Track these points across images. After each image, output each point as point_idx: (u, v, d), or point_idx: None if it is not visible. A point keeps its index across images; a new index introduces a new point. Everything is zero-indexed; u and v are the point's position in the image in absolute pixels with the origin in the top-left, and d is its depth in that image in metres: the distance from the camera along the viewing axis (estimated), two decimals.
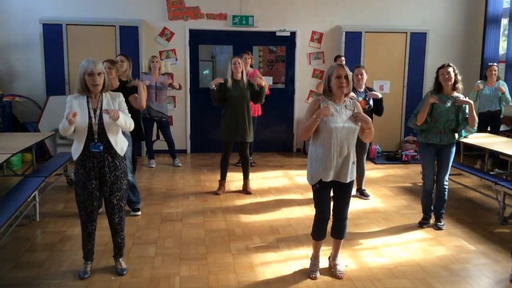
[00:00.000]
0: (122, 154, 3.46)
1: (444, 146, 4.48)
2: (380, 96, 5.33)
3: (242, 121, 5.54)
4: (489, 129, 6.85)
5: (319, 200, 3.49)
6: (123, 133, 3.55)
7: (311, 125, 3.30)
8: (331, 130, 3.30)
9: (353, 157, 3.44)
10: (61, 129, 3.31)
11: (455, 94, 4.41)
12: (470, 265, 3.83)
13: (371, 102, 5.34)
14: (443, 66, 4.42)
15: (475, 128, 4.49)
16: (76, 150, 3.36)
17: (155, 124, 7.14)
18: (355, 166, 3.48)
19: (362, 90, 5.32)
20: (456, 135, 4.56)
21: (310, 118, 3.32)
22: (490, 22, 8.14)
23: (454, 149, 4.52)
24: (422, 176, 4.84)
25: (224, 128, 5.60)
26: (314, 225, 3.59)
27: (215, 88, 5.47)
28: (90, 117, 3.31)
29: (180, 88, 7.15)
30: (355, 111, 3.39)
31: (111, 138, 3.37)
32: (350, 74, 3.36)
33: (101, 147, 3.34)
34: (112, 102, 3.40)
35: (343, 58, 6.92)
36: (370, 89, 5.44)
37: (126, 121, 3.42)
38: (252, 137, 5.73)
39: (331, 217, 3.55)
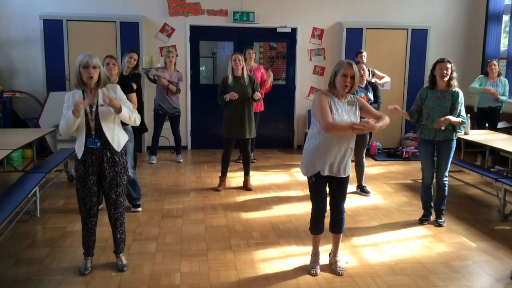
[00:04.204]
0: (119, 149, 3.41)
1: (442, 142, 4.47)
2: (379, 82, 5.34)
3: (243, 117, 5.53)
4: (487, 125, 6.84)
5: (315, 192, 3.51)
6: (125, 128, 3.53)
7: (345, 131, 3.27)
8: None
9: (351, 153, 3.44)
10: (63, 127, 3.26)
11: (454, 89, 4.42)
12: (470, 262, 3.83)
13: (371, 96, 5.34)
14: (442, 61, 4.38)
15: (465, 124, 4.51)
16: (79, 148, 3.35)
17: (161, 122, 7.13)
18: (350, 162, 3.48)
19: (363, 86, 5.31)
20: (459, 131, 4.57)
21: (326, 109, 3.27)
22: (491, 18, 8.12)
23: (453, 146, 4.50)
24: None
25: (225, 125, 5.60)
26: (311, 219, 3.60)
27: (225, 98, 5.45)
28: (86, 114, 3.30)
29: (176, 91, 6.96)
30: (357, 105, 3.41)
31: (107, 133, 3.33)
32: (357, 74, 3.34)
33: (98, 144, 3.32)
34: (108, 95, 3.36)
35: (364, 54, 6.82)
36: (371, 84, 5.43)
37: (131, 115, 3.38)
38: (254, 133, 5.72)
39: (328, 210, 3.57)
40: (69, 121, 3.22)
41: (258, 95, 5.54)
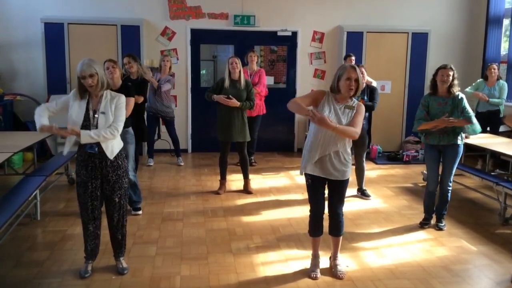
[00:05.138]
0: (111, 157, 3.38)
1: (447, 147, 4.45)
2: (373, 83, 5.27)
3: (237, 121, 5.52)
4: (488, 129, 6.84)
5: (312, 194, 3.52)
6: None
7: (301, 112, 3.33)
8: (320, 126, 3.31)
9: (342, 157, 3.40)
10: (37, 114, 3.32)
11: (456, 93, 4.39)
12: (471, 265, 3.83)
13: (367, 99, 5.32)
14: (444, 67, 4.38)
15: (474, 127, 4.42)
16: (67, 145, 3.39)
17: (153, 124, 7.14)
18: (346, 166, 3.44)
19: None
20: (463, 134, 4.52)
21: (307, 96, 3.45)
22: (491, 22, 8.13)
23: (459, 151, 4.46)
24: (425, 177, 4.82)
25: (219, 128, 5.60)
26: (309, 221, 3.60)
27: (213, 98, 5.48)
28: (89, 118, 3.30)
29: (157, 88, 6.86)
30: (354, 112, 3.39)
31: (102, 143, 3.33)
32: (361, 77, 3.36)
33: (96, 149, 3.32)
34: (110, 103, 3.35)
35: (353, 58, 6.88)
36: (368, 86, 5.41)
37: (98, 136, 3.26)
38: (247, 137, 5.67)
39: (326, 213, 3.57)
40: (36, 121, 3.29)
41: (233, 103, 5.41)
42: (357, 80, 3.31)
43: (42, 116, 3.32)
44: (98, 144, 3.32)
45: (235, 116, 5.52)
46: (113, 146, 3.41)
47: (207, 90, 5.64)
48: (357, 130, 3.32)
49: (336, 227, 3.59)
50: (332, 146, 3.36)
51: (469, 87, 6.92)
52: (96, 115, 3.31)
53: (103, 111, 3.32)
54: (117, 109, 3.38)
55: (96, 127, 3.29)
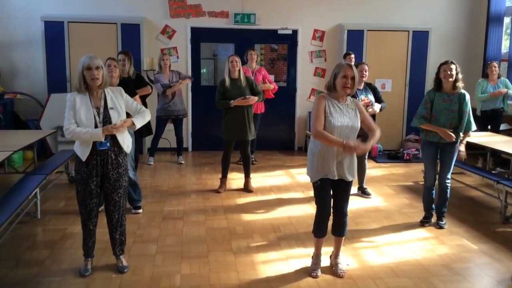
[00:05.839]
0: (128, 151, 3.49)
1: (446, 145, 4.45)
2: (377, 111, 5.30)
3: (242, 119, 5.53)
4: (489, 127, 6.83)
5: (320, 196, 3.50)
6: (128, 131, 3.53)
7: (333, 144, 3.28)
8: (334, 128, 3.31)
9: (355, 155, 3.45)
10: (76, 134, 3.21)
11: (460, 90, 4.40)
12: (472, 264, 3.82)
13: (372, 99, 5.30)
14: (446, 62, 4.38)
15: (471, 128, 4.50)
16: (84, 151, 3.31)
17: (163, 126, 7.15)
18: (356, 163, 3.49)
19: (361, 88, 5.27)
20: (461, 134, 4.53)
21: (320, 116, 3.31)
22: (492, 20, 8.11)
23: (457, 148, 4.48)
24: (424, 174, 4.82)
25: (224, 127, 5.60)
26: (315, 222, 3.59)
27: (231, 104, 5.44)
28: (93, 117, 3.30)
29: (191, 80, 7.33)
30: (357, 110, 3.42)
31: (119, 137, 3.36)
32: (357, 75, 3.37)
33: (108, 144, 3.33)
34: (116, 99, 3.39)
35: (352, 56, 6.89)
36: (369, 85, 5.40)
37: (144, 118, 3.51)
38: (254, 135, 5.72)
39: (331, 213, 3.56)
40: (90, 137, 3.23)
41: (252, 99, 5.48)
42: (353, 78, 3.31)
43: (85, 129, 3.23)
44: (107, 140, 3.31)
45: (245, 115, 5.53)
46: (128, 141, 3.49)
47: (215, 99, 5.56)
48: (377, 130, 3.46)
49: (341, 227, 3.59)
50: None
51: (477, 91, 6.86)
52: (100, 112, 3.31)
53: (111, 106, 3.35)
54: (127, 101, 3.50)
55: (103, 124, 3.30)
